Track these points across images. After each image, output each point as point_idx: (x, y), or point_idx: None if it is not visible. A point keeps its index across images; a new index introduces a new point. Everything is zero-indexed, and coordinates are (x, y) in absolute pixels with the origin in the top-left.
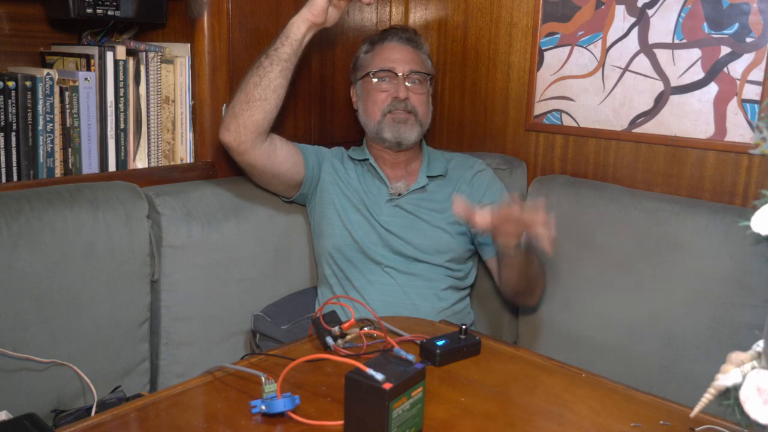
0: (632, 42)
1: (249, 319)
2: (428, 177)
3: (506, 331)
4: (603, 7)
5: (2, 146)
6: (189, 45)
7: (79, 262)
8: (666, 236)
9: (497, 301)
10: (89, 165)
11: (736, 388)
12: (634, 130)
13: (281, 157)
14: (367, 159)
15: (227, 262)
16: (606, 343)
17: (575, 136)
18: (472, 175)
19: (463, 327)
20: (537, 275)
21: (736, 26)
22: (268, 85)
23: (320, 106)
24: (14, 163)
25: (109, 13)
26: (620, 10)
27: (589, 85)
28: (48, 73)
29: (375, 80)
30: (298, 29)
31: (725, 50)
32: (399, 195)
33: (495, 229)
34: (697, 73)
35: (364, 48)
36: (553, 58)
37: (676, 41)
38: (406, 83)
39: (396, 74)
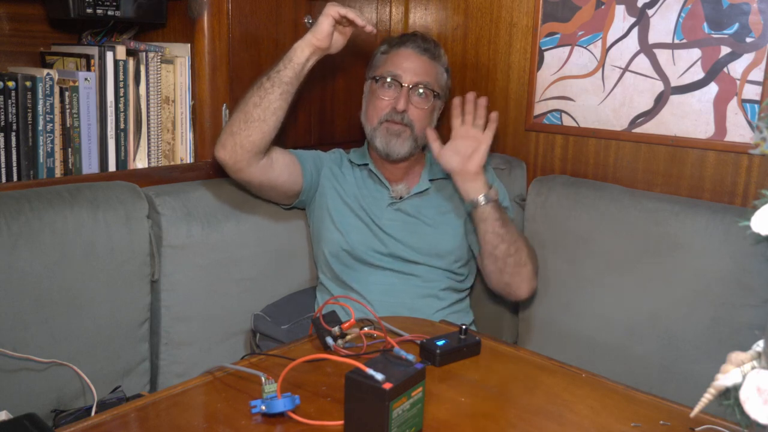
0: (632, 42)
1: (249, 319)
2: (430, 180)
3: (506, 331)
4: (603, 7)
5: (2, 146)
6: (189, 45)
7: (79, 262)
8: (666, 236)
9: (497, 302)
10: (89, 165)
11: (736, 388)
12: (634, 130)
13: (278, 171)
14: (367, 164)
15: (227, 262)
16: (606, 343)
17: (575, 136)
18: None
19: (463, 327)
20: (516, 243)
21: (736, 26)
22: (267, 106)
23: (320, 107)
24: (14, 163)
25: (109, 13)
26: (620, 10)
27: (589, 85)
28: (48, 73)
29: (381, 85)
30: (302, 53)
31: (725, 50)
32: (400, 198)
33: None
34: (697, 73)
35: (382, 48)
36: (553, 58)
37: (676, 41)
38: (410, 95)
39: (401, 84)
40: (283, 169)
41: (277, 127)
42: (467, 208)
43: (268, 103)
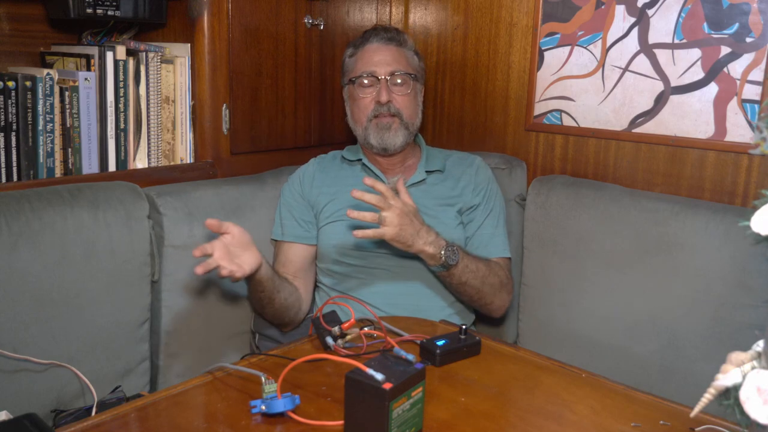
0: (632, 42)
1: (249, 319)
2: (426, 172)
3: (506, 331)
4: (603, 7)
5: (2, 146)
6: (189, 45)
7: (79, 262)
8: (666, 236)
9: None
10: (89, 165)
11: (736, 388)
12: (634, 130)
13: (309, 264)
14: (360, 159)
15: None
16: (606, 343)
17: (575, 136)
18: (474, 172)
19: (463, 327)
20: (479, 292)
21: (736, 26)
22: (282, 303)
23: (320, 106)
24: (14, 163)
25: (109, 13)
26: (620, 10)
27: (589, 85)
28: (48, 73)
29: (358, 85)
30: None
31: (725, 50)
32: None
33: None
34: (697, 73)
35: (348, 51)
36: (553, 58)
37: (676, 41)
38: (389, 85)
39: (377, 77)
40: (307, 259)
41: (288, 295)
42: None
43: (279, 303)
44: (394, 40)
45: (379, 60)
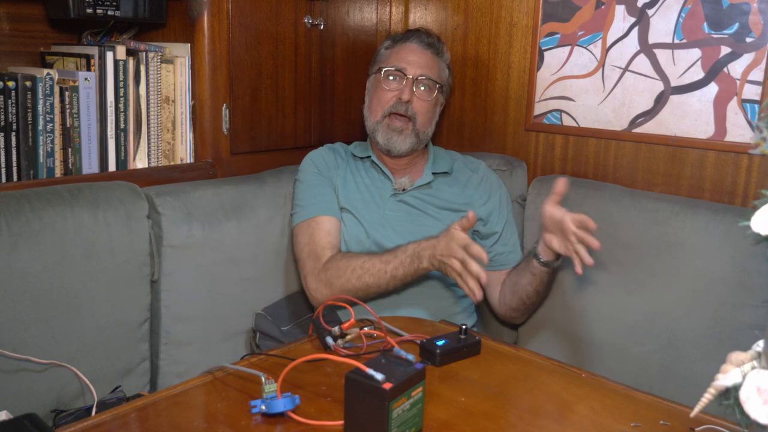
0: (632, 42)
1: (249, 319)
2: (433, 174)
3: (506, 331)
4: (603, 7)
5: (2, 146)
6: (189, 45)
7: (79, 262)
8: (666, 236)
9: None
10: (89, 165)
11: (736, 388)
12: (634, 130)
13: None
14: (370, 156)
15: (227, 262)
16: (606, 343)
17: (575, 136)
18: (479, 180)
19: (463, 327)
20: (542, 299)
21: (736, 26)
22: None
23: (320, 107)
24: (14, 163)
25: (109, 13)
26: (620, 10)
27: (589, 85)
28: (48, 73)
29: (385, 77)
30: (427, 267)
31: (725, 50)
32: (403, 190)
33: (555, 229)
34: (697, 73)
35: (386, 43)
36: (553, 58)
37: (676, 41)
38: (414, 87)
39: (406, 75)
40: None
41: None
42: (531, 250)
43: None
44: (433, 47)
45: (412, 60)
